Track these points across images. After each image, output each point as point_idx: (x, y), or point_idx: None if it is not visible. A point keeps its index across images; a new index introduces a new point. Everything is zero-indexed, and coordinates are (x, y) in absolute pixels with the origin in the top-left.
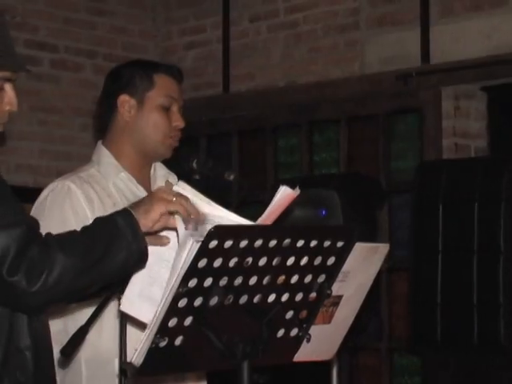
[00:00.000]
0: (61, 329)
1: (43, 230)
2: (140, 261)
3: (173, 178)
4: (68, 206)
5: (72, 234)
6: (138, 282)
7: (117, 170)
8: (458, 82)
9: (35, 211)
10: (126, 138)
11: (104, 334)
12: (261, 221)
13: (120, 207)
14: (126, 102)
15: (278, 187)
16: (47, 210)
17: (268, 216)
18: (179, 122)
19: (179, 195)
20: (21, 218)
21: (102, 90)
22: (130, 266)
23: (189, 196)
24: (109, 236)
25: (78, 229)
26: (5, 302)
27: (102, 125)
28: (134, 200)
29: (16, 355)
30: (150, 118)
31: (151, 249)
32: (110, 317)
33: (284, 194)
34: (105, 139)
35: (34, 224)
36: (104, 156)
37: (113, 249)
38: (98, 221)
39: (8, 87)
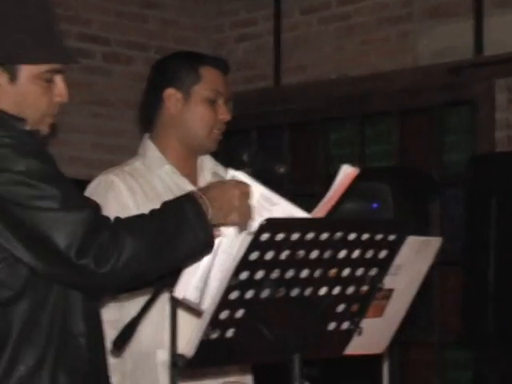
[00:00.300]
0: (118, 318)
1: None
2: (207, 250)
3: (221, 170)
4: (112, 199)
5: (141, 217)
6: (190, 272)
7: (161, 163)
8: (511, 74)
9: None
10: (172, 132)
11: (146, 327)
12: (325, 201)
13: (163, 200)
14: (172, 95)
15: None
16: None
17: (332, 196)
18: (225, 115)
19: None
20: (86, 201)
21: (147, 81)
22: (197, 254)
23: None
24: (177, 223)
25: None
26: (73, 285)
27: (148, 117)
28: (178, 193)
29: (71, 341)
30: (197, 111)
31: None
32: (152, 309)
33: (346, 173)
34: (151, 132)
35: (99, 208)
36: (149, 149)
37: (181, 236)
38: (166, 206)
39: (58, 79)
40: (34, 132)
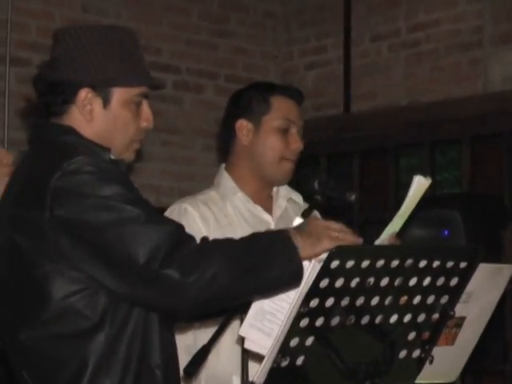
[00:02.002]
0: (192, 343)
1: None
2: (293, 282)
3: (296, 196)
4: (184, 226)
5: (230, 239)
6: (254, 311)
7: (234, 191)
8: None
9: None
10: (245, 162)
11: (221, 354)
12: (400, 213)
13: (236, 227)
14: (243, 126)
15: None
16: None
17: (406, 207)
18: (298, 144)
19: (344, 231)
20: (169, 220)
21: (224, 112)
22: (282, 284)
23: None
24: (266, 250)
25: None
26: (158, 302)
27: (224, 147)
28: (251, 219)
29: (148, 374)
30: (267, 141)
31: None
32: (227, 336)
33: (419, 183)
34: (227, 163)
35: (182, 227)
36: (223, 179)
37: (269, 263)
38: (256, 234)
39: (145, 104)
40: (119, 161)
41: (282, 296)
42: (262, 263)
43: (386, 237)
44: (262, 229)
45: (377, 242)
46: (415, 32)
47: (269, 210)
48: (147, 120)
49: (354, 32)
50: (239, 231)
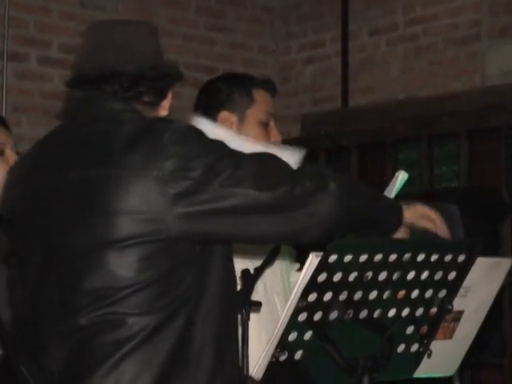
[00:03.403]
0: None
1: None
2: (392, 229)
3: None
4: None
5: None
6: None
7: None
8: None
9: None
10: None
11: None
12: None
13: None
14: (227, 118)
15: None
16: None
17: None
18: (278, 137)
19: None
20: None
21: (197, 104)
22: (385, 226)
23: None
24: (378, 195)
25: None
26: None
27: None
28: None
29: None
30: (251, 134)
31: None
32: (255, 326)
33: (403, 179)
34: None
35: None
36: None
37: (380, 203)
38: None
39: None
40: None
41: None
42: (374, 199)
43: None
44: None
45: None
46: (413, 26)
47: None
48: None
49: (351, 26)
50: None
